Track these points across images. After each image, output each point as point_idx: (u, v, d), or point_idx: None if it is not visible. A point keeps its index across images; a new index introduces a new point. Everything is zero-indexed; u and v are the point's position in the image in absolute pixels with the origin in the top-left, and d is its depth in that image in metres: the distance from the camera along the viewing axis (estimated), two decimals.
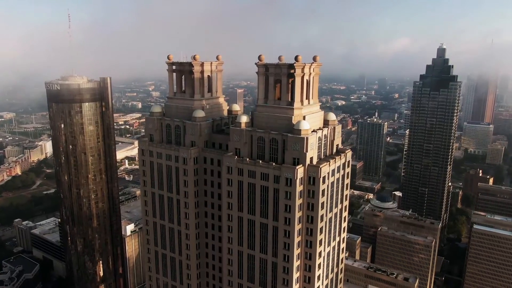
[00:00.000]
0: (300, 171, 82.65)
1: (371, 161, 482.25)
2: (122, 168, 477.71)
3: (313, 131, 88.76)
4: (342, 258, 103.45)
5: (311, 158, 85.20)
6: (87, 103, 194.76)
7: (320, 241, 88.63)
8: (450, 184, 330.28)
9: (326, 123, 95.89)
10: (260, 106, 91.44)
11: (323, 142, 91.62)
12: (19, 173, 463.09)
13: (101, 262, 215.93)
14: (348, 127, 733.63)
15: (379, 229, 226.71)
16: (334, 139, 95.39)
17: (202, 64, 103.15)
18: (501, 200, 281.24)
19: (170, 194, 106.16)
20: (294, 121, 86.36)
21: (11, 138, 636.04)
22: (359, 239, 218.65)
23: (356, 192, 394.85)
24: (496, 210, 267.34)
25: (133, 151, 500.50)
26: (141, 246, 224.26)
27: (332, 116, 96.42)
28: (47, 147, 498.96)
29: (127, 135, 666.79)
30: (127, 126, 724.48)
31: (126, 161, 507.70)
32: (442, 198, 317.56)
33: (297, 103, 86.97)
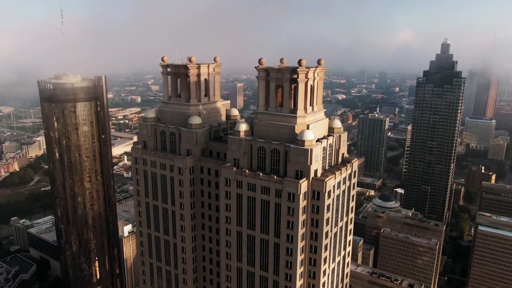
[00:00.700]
0: (303, 185, 76.60)
1: (372, 157, 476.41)
2: (121, 164, 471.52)
3: (318, 140, 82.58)
4: (347, 273, 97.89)
5: (316, 171, 79.07)
6: (81, 103, 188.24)
7: (325, 258, 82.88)
8: (453, 182, 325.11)
9: (331, 130, 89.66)
10: (261, 113, 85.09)
11: (328, 152, 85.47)
12: (17, 169, 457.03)
13: (97, 263, 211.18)
14: (349, 122, 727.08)
15: (382, 231, 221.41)
16: (339, 147, 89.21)
17: (198, 67, 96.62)
18: (506, 200, 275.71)
19: (165, 205, 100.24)
20: (297, 130, 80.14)
21: (9, 133, 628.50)
22: (361, 241, 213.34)
23: (357, 189, 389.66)
24: (500, 210, 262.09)
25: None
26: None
27: (337, 124, 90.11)
28: (45, 142, 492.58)
29: (126, 130, 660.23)
30: (126, 121, 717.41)
31: (125, 157, 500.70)
32: (445, 196, 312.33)
33: (300, 111, 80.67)
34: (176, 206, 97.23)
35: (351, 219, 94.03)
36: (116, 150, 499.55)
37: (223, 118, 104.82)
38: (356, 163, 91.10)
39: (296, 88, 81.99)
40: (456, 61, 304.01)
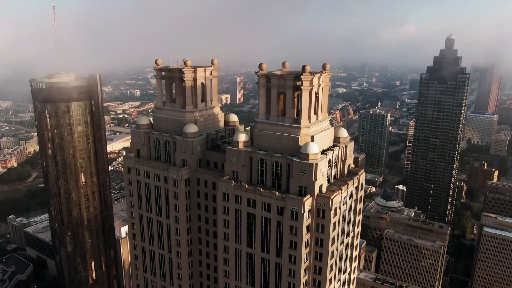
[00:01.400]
0: (307, 203, 70.69)
1: (373, 153, 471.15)
2: (119, 159, 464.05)
3: (323, 152, 76.55)
4: None
5: (321, 186, 73.09)
6: (75, 102, 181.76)
7: (330, 279, 77.26)
8: (456, 180, 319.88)
9: (336, 140, 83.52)
10: (261, 122, 78.81)
11: (333, 164, 79.42)
12: (15, 165, 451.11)
13: (93, 265, 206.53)
14: (349, 116, 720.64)
15: (385, 233, 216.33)
16: (345, 159, 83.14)
17: (194, 71, 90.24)
18: (511, 200, 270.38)
19: (159, 218, 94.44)
20: (300, 142, 74.01)
21: (7, 128, 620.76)
22: (364, 243, 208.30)
23: None
24: (505, 210, 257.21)
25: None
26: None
27: (343, 133, 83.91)
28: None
29: (125, 125, 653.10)
30: (125, 115, 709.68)
31: (124, 152, 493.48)
32: (448, 194, 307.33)
33: (304, 121, 74.46)
34: (171, 220, 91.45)
35: (357, 233, 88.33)
36: (115, 146, 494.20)
37: (221, 124, 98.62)
38: (363, 175, 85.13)
39: (299, 96, 75.83)
40: (461, 57, 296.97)
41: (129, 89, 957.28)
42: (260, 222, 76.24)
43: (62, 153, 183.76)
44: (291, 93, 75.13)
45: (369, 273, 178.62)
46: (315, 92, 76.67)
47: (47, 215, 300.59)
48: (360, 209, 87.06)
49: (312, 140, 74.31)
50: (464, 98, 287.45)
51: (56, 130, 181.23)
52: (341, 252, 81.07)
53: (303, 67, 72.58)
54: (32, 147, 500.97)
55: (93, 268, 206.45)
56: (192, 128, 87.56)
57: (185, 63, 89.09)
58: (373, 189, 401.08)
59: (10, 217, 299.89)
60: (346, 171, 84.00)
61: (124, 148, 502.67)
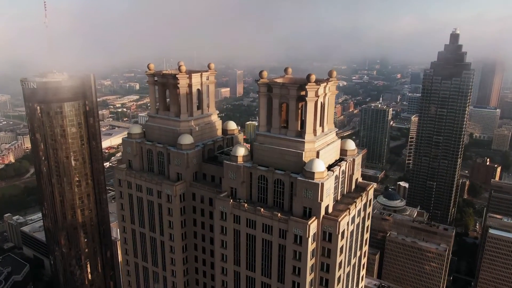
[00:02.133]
0: (313, 226, 64.56)
1: (374, 148, 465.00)
2: (118, 154, 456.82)
3: (329, 167, 70.38)
4: None
5: (327, 207, 66.99)
6: (68, 103, 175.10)
7: None
8: (459, 178, 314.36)
9: (343, 153, 77.21)
10: (262, 135, 72.35)
11: (340, 180, 73.22)
12: (13, 161, 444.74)
13: (89, 267, 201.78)
14: (350, 110, 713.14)
15: (388, 235, 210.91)
16: (353, 173, 76.92)
17: (189, 76, 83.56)
18: None
19: (153, 234, 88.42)
20: (305, 158, 67.70)
21: (5, 122, 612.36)
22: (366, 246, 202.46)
23: (359, 181, 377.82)
24: (510, 210, 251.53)
25: None
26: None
27: (350, 145, 77.55)
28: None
29: (124, 119, 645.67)
30: (124, 109, 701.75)
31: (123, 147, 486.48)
32: (451, 192, 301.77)
33: (308, 135, 68.07)
34: (165, 236, 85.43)
35: (365, 252, 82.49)
36: (114, 140, 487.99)
37: (219, 133, 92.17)
38: (371, 190, 78.98)
39: (303, 107, 69.42)
40: (466, 52, 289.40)
41: (128, 83, 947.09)
42: (261, 244, 70.24)
43: (55, 155, 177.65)
44: (294, 103, 68.67)
45: (372, 279, 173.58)
46: (321, 102, 70.23)
47: None
48: (368, 226, 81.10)
49: (317, 156, 67.99)
50: (469, 94, 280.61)
51: (48, 131, 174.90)
52: (347, 274, 75.24)
53: (308, 76, 66.02)
54: None
55: (89, 270, 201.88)
56: (187, 139, 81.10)
57: (179, 68, 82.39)
58: (375, 185, 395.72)
59: (6, 215, 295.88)
60: (353, 186, 77.86)
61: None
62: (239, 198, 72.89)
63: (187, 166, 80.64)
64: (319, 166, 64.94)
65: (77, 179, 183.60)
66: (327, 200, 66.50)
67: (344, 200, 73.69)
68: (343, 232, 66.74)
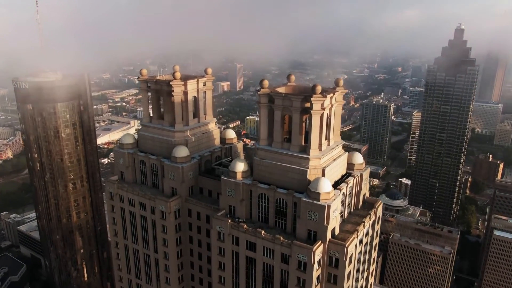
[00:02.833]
0: (318, 251, 59.24)
1: (375, 144, 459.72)
2: (125, 133, 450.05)
3: (336, 184, 65.03)
4: None
5: (333, 229, 61.66)
6: (62, 103, 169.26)
7: None
8: (462, 176, 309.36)
9: (350, 167, 71.69)
10: (263, 149, 66.71)
11: (347, 197, 67.89)
12: (10, 157, 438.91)
13: (85, 270, 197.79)
14: (351, 104, 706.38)
15: (391, 237, 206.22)
16: (361, 189, 71.53)
17: (185, 83, 77.73)
18: None
19: (146, 250, 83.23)
20: (310, 176, 62.21)
21: (3, 117, 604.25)
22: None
23: None
24: None
25: (130, 131, 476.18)
26: None
27: (358, 159, 72.00)
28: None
29: (123, 114, 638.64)
30: (123, 103, 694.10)
31: None
32: (454, 190, 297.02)
33: (313, 151, 62.49)
34: (159, 254, 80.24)
35: (372, 271, 77.43)
36: (113, 136, 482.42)
37: (217, 142, 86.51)
38: (380, 207, 73.56)
39: (307, 119, 63.81)
40: (470, 48, 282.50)
41: (128, 76, 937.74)
42: (262, 268, 65.04)
43: (49, 157, 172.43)
44: (298, 116, 62.98)
45: (376, 286, 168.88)
46: (327, 114, 64.60)
47: None
48: (376, 244, 75.95)
49: (323, 174, 62.44)
50: (473, 91, 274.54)
51: (42, 132, 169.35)
52: None
53: (313, 87, 60.24)
54: None
55: (85, 273, 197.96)
56: (182, 152, 75.50)
57: (173, 74, 76.55)
58: (376, 181, 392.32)
59: (3, 213, 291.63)
60: (361, 203, 72.49)
61: None
62: (238, 217, 67.56)
63: (182, 180, 75.17)
64: (325, 186, 59.43)
65: (72, 181, 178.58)
66: (334, 222, 61.15)
67: (351, 219, 68.40)
68: (350, 257, 61.53)
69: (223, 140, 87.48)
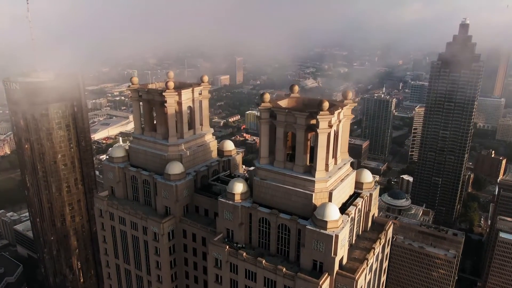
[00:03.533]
0: (325, 285, 53.73)
1: (377, 139, 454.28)
2: (116, 145, 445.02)
3: (343, 206, 59.38)
4: None
5: (341, 259, 56.09)
6: (54, 104, 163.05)
7: None
8: (465, 173, 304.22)
9: (359, 186, 65.98)
10: (263, 169, 60.77)
11: (356, 221, 62.28)
12: (8, 152, 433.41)
13: (81, 274, 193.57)
14: (352, 98, 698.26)
15: (394, 239, 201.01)
16: (370, 210, 65.93)
17: (179, 93, 71.55)
18: None
19: (139, 272, 77.78)
20: (315, 201, 56.48)
21: (1, 111, 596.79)
22: None
23: None
24: None
25: (129, 126, 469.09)
26: None
27: (367, 177, 66.21)
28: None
29: (122, 108, 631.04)
30: (122, 98, 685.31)
31: (120, 138, 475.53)
32: (457, 188, 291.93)
33: (320, 172, 56.65)
34: (152, 277, 74.82)
35: None
36: (111, 131, 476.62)
37: (214, 154, 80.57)
38: (391, 229, 67.91)
39: (313, 137, 57.94)
40: (475, 43, 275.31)
41: (127, 69, 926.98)
42: None
43: (42, 160, 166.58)
44: (302, 134, 57.01)
45: None
46: (335, 130, 58.67)
47: None
48: (385, 268, 70.53)
49: (330, 198, 56.67)
50: (478, 87, 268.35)
51: (34, 135, 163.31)
52: None
53: (320, 103, 54.16)
54: None
55: (81, 275, 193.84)
56: (176, 168, 69.60)
57: (166, 84, 70.40)
58: (377, 178, 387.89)
59: (0, 211, 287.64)
60: (369, 224, 66.90)
61: (121, 133, 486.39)
62: (237, 242, 61.99)
63: (176, 200, 69.42)
64: (333, 213, 53.70)
65: (66, 184, 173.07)
66: (342, 252, 55.54)
67: (360, 243, 62.83)
68: None
69: (220, 152, 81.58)
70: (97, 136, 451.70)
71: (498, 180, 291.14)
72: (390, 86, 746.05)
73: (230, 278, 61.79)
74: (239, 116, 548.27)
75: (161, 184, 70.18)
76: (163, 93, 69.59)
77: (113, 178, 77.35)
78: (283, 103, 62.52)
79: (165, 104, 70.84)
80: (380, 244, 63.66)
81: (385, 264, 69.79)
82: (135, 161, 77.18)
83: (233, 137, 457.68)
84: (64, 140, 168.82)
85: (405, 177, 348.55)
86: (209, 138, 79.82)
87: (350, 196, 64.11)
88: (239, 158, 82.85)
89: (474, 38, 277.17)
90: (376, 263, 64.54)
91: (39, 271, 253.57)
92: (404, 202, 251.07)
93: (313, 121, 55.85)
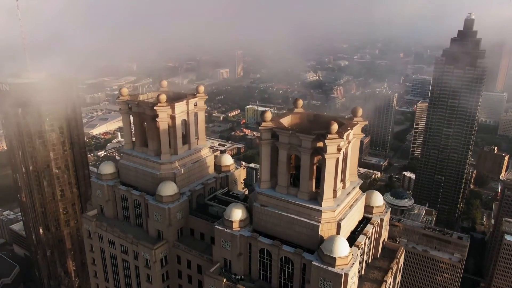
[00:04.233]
0: None
1: (378, 135, 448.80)
2: (114, 141, 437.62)
3: (352, 234, 53.86)
4: None
5: None
6: (47, 106, 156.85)
7: None
8: (468, 172, 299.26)
9: (368, 210, 60.41)
10: (264, 195, 55.07)
11: (366, 250, 56.81)
12: (5, 148, 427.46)
13: (77, 276, 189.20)
14: (352, 92, 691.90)
15: (397, 242, 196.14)
16: (380, 235, 60.45)
17: (172, 107, 65.58)
18: None
19: None
20: (322, 232, 50.92)
21: None
22: None
23: (362, 170, 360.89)
24: None
25: None
26: None
27: (378, 200, 60.52)
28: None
29: None
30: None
31: (119, 133, 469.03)
32: (460, 186, 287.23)
33: (327, 201, 51.00)
34: None
35: None
36: (110, 126, 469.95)
37: (211, 170, 74.80)
38: (403, 255, 62.49)
39: (320, 162, 52.22)
40: (480, 39, 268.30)
41: (125, 63, 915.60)
42: None
43: (34, 164, 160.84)
44: (308, 158, 51.26)
45: None
46: (343, 152, 52.91)
47: None
48: None
49: (338, 231, 51.06)
50: (483, 84, 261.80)
51: (26, 138, 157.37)
52: None
53: (328, 125, 48.29)
54: None
55: (77, 280, 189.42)
56: (169, 189, 63.85)
57: (158, 97, 64.39)
58: (378, 174, 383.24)
59: None
60: (379, 250, 61.50)
61: (119, 128, 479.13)
62: (235, 274, 56.56)
63: (169, 224, 63.84)
64: (342, 249, 48.15)
65: (60, 188, 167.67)
66: None
67: (370, 274, 57.43)
68: None
69: (218, 167, 75.79)
70: (95, 131, 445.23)
71: (500, 176, 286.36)
72: (391, 79, 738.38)
73: None
74: (238, 111, 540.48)
75: (153, 206, 64.52)
76: (155, 107, 63.61)
77: (102, 197, 71.73)
78: (286, 120, 56.67)
79: (156, 119, 64.89)
80: (391, 274, 58.30)
81: None
82: (125, 178, 71.45)
83: (233, 132, 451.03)
84: (58, 143, 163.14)
85: (407, 174, 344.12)
86: (206, 153, 74.04)
87: (360, 223, 58.56)
88: (238, 173, 77.06)
89: (479, 32, 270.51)
90: None
91: (35, 272, 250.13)
92: (406, 202, 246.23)
93: (320, 144, 50.08)
